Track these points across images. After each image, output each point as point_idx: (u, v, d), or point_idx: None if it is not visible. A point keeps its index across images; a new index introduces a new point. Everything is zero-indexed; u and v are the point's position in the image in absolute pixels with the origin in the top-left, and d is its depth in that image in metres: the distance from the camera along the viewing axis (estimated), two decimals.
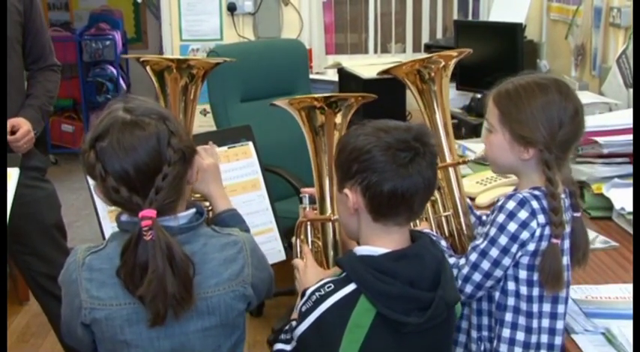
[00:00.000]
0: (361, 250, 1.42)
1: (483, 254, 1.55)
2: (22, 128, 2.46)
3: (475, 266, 1.55)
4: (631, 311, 1.66)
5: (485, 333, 1.63)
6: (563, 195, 1.57)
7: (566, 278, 1.57)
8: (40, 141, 2.62)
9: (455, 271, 1.57)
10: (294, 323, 1.46)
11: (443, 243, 1.69)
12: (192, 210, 1.48)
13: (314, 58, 4.35)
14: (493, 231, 1.54)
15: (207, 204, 1.69)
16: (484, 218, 1.82)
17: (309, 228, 1.71)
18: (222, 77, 3.26)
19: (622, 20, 2.99)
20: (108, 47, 6.19)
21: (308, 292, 1.40)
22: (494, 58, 3.55)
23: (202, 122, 4.08)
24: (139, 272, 1.36)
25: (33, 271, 2.67)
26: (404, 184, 1.36)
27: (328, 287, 1.38)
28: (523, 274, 1.55)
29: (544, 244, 1.53)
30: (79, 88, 6.28)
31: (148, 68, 1.78)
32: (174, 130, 1.41)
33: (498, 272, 1.55)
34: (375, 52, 4.64)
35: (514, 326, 1.57)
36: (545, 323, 1.58)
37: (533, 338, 1.57)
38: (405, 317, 1.35)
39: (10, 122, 2.46)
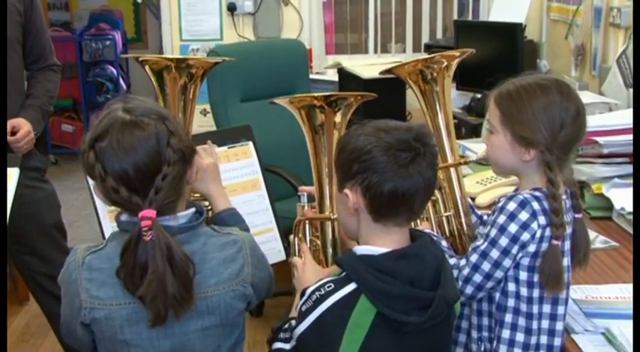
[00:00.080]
0: (361, 249, 1.42)
1: (484, 255, 1.55)
2: (22, 129, 2.46)
3: (476, 268, 1.55)
4: (631, 311, 1.66)
5: (485, 334, 1.63)
6: (564, 197, 1.57)
7: (566, 279, 1.57)
8: (40, 142, 2.62)
9: (455, 272, 1.57)
10: (293, 322, 1.46)
11: (444, 243, 1.69)
12: (192, 210, 1.48)
13: (314, 58, 4.35)
14: (494, 232, 1.54)
15: (207, 203, 1.69)
16: (485, 218, 1.82)
17: (307, 226, 1.71)
18: (222, 77, 3.26)
19: (622, 20, 2.99)
20: (108, 47, 6.19)
21: (308, 291, 1.40)
22: (494, 58, 3.55)
23: (202, 122, 4.09)
24: (138, 272, 1.36)
25: (33, 271, 2.67)
26: (404, 184, 1.36)
27: (328, 287, 1.38)
28: (523, 275, 1.55)
29: (545, 245, 1.53)
30: (79, 88, 6.28)
31: (147, 68, 1.78)
32: (173, 130, 1.41)
33: (499, 274, 1.55)
34: (375, 52, 4.64)
35: (514, 327, 1.57)
36: (545, 324, 1.58)
37: (533, 340, 1.57)
38: (406, 317, 1.35)
39: (11, 123, 2.46)
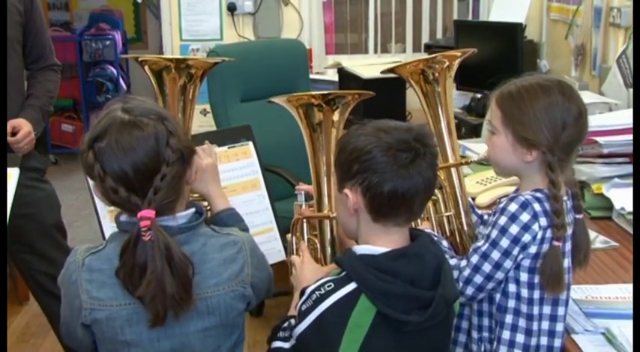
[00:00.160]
0: (361, 249, 1.42)
1: (485, 256, 1.55)
2: (22, 129, 2.46)
3: (476, 269, 1.55)
4: (631, 311, 1.66)
5: (485, 334, 1.63)
6: (565, 198, 1.57)
7: (566, 280, 1.57)
8: (40, 142, 2.62)
9: (456, 273, 1.57)
10: (292, 321, 1.46)
11: (444, 243, 1.69)
12: (192, 210, 1.48)
13: (314, 58, 4.35)
14: (495, 234, 1.54)
15: (206, 203, 1.69)
16: (485, 217, 1.82)
17: (305, 225, 1.71)
18: (222, 77, 3.26)
19: (622, 20, 2.99)
20: (108, 47, 6.20)
21: (308, 291, 1.40)
22: (494, 58, 3.55)
23: (202, 122, 4.09)
24: (137, 272, 1.36)
25: (33, 270, 2.67)
26: (404, 185, 1.36)
27: (328, 286, 1.38)
28: (524, 276, 1.55)
29: (545, 247, 1.52)
30: (79, 88, 6.29)
31: (146, 68, 1.78)
32: (172, 130, 1.41)
33: (499, 275, 1.55)
34: (375, 52, 4.64)
35: (514, 328, 1.57)
36: (545, 325, 1.57)
37: (533, 341, 1.57)
38: (406, 316, 1.35)
39: (11, 123, 2.46)
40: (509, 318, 1.57)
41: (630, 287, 1.78)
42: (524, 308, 1.56)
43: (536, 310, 1.56)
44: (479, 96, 3.60)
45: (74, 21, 6.85)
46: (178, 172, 1.41)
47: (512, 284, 1.56)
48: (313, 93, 1.67)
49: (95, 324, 1.42)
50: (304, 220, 1.70)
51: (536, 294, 1.56)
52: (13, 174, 1.99)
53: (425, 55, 4.14)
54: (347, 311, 1.36)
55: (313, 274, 1.56)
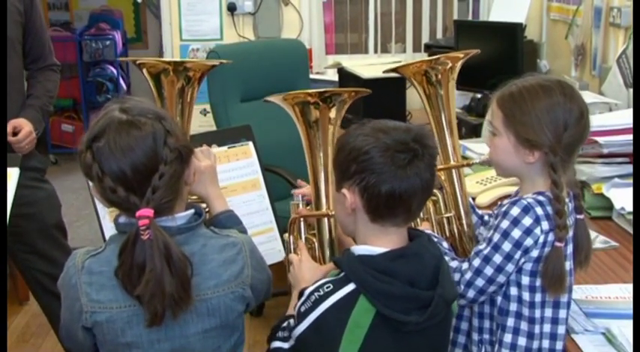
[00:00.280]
0: (359, 250, 1.42)
1: (487, 259, 1.54)
2: (24, 129, 2.47)
3: (478, 272, 1.55)
4: (631, 311, 1.66)
5: (486, 336, 1.63)
6: (567, 199, 1.56)
7: (568, 283, 1.57)
8: (40, 142, 2.62)
9: (457, 275, 1.57)
10: (291, 321, 1.45)
11: (445, 244, 1.69)
12: (191, 211, 1.48)
13: (314, 58, 4.34)
14: (497, 237, 1.54)
15: (205, 205, 1.69)
16: (486, 218, 1.82)
17: (302, 224, 1.70)
18: (222, 77, 3.26)
19: (622, 20, 2.98)
20: (108, 47, 6.19)
21: (307, 292, 1.40)
22: (494, 58, 3.54)
23: (202, 122, 4.08)
24: (136, 271, 1.36)
25: (34, 270, 2.67)
26: (402, 186, 1.36)
27: (327, 288, 1.38)
28: (526, 280, 1.55)
29: (547, 250, 1.52)
30: (79, 88, 6.28)
31: (144, 71, 1.78)
32: (170, 130, 1.41)
33: (501, 278, 1.55)
34: (375, 52, 4.63)
35: (516, 332, 1.57)
36: (547, 328, 1.57)
37: (535, 344, 1.57)
38: (405, 317, 1.35)
39: (12, 123, 2.46)
40: (510, 321, 1.57)
41: (630, 287, 1.78)
42: (525, 311, 1.56)
43: (537, 313, 1.56)
44: (479, 96, 3.60)
45: (74, 21, 6.84)
46: (177, 171, 1.41)
47: (514, 287, 1.56)
48: (309, 91, 1.67)
49: (96, 327, 1.42)
50: (301, 219, 1.70)
51: (538, 297, 1.56)
52: (13, 174, 1.99)
53: (425, 55, 4.17)
54: (346, 312, 1.36)
55: (311, 273, 1.56)
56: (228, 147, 1.98)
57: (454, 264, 1.60)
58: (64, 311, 1.47)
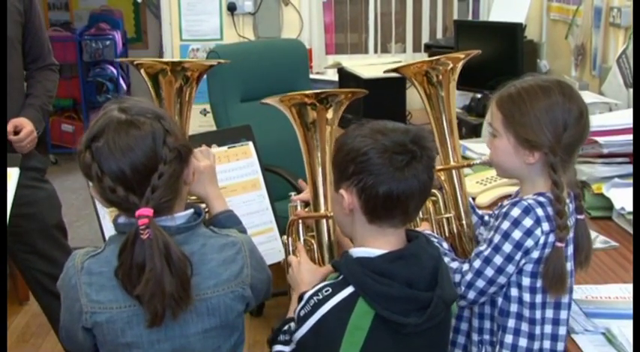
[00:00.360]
0: (357, 252, 1.42)
1: (487, 261, 1.54)
2: (25, 128, 2.47)
3: (479, 273, 1.55)
4: (631, 311, 1.66)
5: (486, 337, 1.63)
6: (567, 200, 1.56)
7: (569, 283, 1.56)
8: (40, 142, 2.62)
9: (458, 276, 1.57)
10: (292, 324, 1.45)
11: (445, 245, 1.69)
12: (190, 211, 1.48)
13: (314, 58, 4.34)
14: (497, 238, 1.53)
15: (204, 205, 1.69)
16: (486, 218, 1.82)
17: (300, 226, 1.70)
18: (222, 77, 3.26)
19: (622, 20, 2.98)
20: (108, 47, 6.19)
21: (306, 296, 1.40)
22: (494, 58, 3.54)
23: (202, 122, 4.09)
24: (136, 271, 1.36)
25: (34, 270, 2.67)
26: (399, 187, 1.36)
27: (326, 291, 1.38)
28: (526, 281, 1.55)
29: (548, 251, 1.52)
30: (79, 88, 6.28)
31: (142, 71, 1.78)
32: (169, 129, 1.41)
33: (502, 279, 1.55)
34: (375, 52, 4.63)
35: (517, 332, 1.57)
36: (548, 329, 1.57)
37: (536, 345, 1.57)
38: (404, 318, 1.35)
39: (13, 122, 2.46)
40: (511, 322, 1.57)
41: (630, 287, 1.78)
42: (526, 312, 1.56)
43: (538, 314, 1.56)
44: (479, 96, 3.60)
45: (74, 21, 6.84)
46: (176, 171, 1.41)
47: (515, 288, 1.56)
48: (306, 92, 1.67)
49: (96, 327, 1.42)
50: (299, 221, 1.70)
51: (539, 298, 1.56)
52: (13, 174, 1.99)
53: (425, 55, 4.17)
54: (345, 315, 1.36)
55: (310, 274, 1.56)
56: (228, 147, 1.98)
57: (454, 264, 1.60)
58: (63, 312, 1.47)
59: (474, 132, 3.42)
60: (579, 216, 1.60)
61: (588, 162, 2.34)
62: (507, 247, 1.52)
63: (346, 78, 3.88)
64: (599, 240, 2.08)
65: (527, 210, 1.51)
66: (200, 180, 1.62)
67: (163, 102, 1.77)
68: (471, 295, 1.56)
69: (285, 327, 1.49)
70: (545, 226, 1.51)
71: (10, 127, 2.44)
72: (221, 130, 2.93)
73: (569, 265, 1.58)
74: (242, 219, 1.70)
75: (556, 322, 1.57)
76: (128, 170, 1.36)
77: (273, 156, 2.64)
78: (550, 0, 4.02)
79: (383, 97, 3.52)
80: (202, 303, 1.44)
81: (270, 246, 1.91)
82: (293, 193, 1.76)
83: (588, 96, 2.83)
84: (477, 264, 1.56)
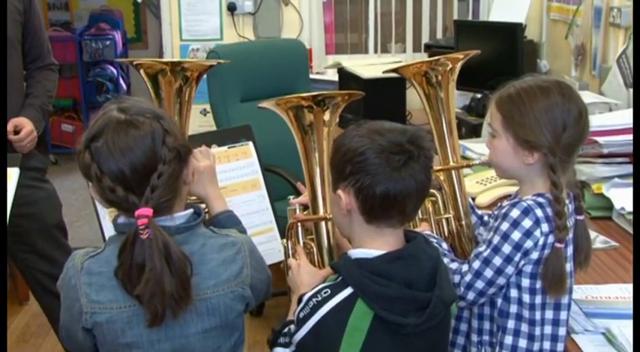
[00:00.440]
0: (356, 253, 1.42)
1: (486, 262, 1.54)
2: (25, 128, 2.47)
3: (478, 274, 1.55)
4: (631, 311, 1.66)
5: (486, 338, 1.63)
6: (567, 200, 1.56)
7: (568, 284, 1.56)
8: (40, 142, 2.62)
9: (457, 277, 1.57)
10: (292, 327, 1.45)
11: (444, 245, 1.69)
12: (190, 211, 1.48)
13: (314, 58, 4.34)
14: (497, 239, 1.53)
15: (204, 206, 1.69)
16: (486, 218, 1.82)
17: (299, 229, 1.70)
18: (222, 77, 3.26)
19: (622, 20, 2.98)
20: (108, 47, 6.19)
21: (305, 298, 1.40)
22: (494, 58, 3.54)
23: (202, 122, 4.08)
24: (136, 271, 1.36)
25: (35, 270, 2.67)
26: (396, 187, 1.36)
27: (325, 293, 1.38)
28: (526, 282, 1.55)
29: (547, 252, 1.52)
30: (79, 88, 6.29)
31: (141, 71, 1.78)
32: (168, 129, 1.41)
33: (501, 280, 1.55)
34: (375, 52, 4.63)
35: (516, 333, 1.57)
36: (548, 330, 1.57)
37: (536, 346, 1.57)
38: (403, 319, 1.35)
39: (13, 122, 2.46)
40: (511, 323, 1.57)
41: (630, 287, 1.78)
42: (526, 313, 1.56)
43: (538, 315, 1.56)
44: (479, 96, 3.60)
45: (74, 21, 6.84)
46: (175, 171, 1.41)
47: (514, 289, 1.56)
48: (303, 95, 1.66)
49: (96, 327, 1.42)
50: (299, 224, 1.70)
51: (538, 299, 1.56)
52: (13, 174, 1.99)
53: (425, 55, 4.17)
54: (344, 316, 1.36)
55: (310, 277, 1.56)
56: (228, 147, 1.98)
57: (454, 265, 1.60)
58: (63, 312, 1.47)
59: (473, 132, 3.42)
60: (579, 217, 1.60)
61: (588, 162, 2.34)
62: (507, 248, 1.52)
63: (346, 78, 3.88)
64: (599, 240, 2.08)
65: (526, 211, 1.51)
66: (200, 180, 1.62)
67: (163, 102, 1.77)
68: (470, 296, 1.56)
69: (285, 330, 1.49)
70: (545, 227, 1.51)
71: (10, 127, 2.44)
72: (221, 130, 2.92)
73: (569, 266, 1.58)
74: (242, 219, 1.70)
75: (556, 323, 1.57)
76: (127, 170, 1.36)
77: (273, 156, 2.64)
78: (550, 0, 4.02)
79: (383, 97, 3.52)
80: (202, 303, 1.44)
81: (270, 246, 1.91)
82: (292, 197, 1.76)
83: (588, 96, 2.83)
84: (476, 264, 1.55)
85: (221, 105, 3.30)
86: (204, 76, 1.87)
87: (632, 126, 2.29)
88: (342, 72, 3.98)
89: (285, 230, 1.73)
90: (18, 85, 2.59)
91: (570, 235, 1.57)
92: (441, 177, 1.79)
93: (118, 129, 1.37)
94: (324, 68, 4.40)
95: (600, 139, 2.29)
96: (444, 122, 1.79)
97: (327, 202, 1.64)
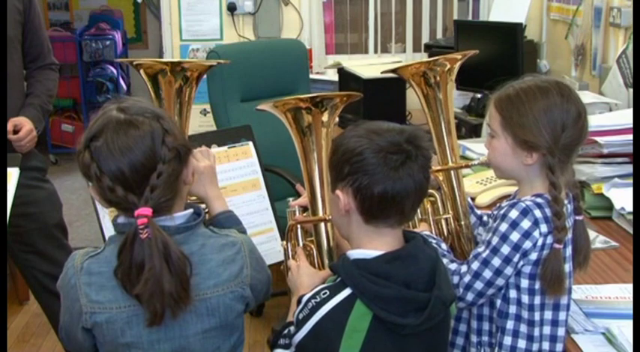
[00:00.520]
0: (355, 254, 1.41)
1: (485, 263, 1.54)
2: (24, 127, 2.47)
3: (477, 275, 1.55)
4: (631, 311, 1.66)
5: (485, 338, 1.63)
6: (565, 201, 1.56)
7: (567, 285, 1.56)
8: (40, 141, 2.62)
9: (456, 278, 1.57)
10: (292, 328, 1.45)
11: (443, 246, 1.69)
12: (190, 211, 1.48)
13: (314, 57, 4.34)
14: (495, 240, 1.53)
15: (204, 206, 1.69)
16: (485, 218, 1.82)
17: (299, 231, 1.70)
18: (222, 77, 3.26)
19: (622, 20, 2.98)
20: (108, 47, 6.19)
21: (304, 299, 1.40)
22: (494, 58, 3.55)
23: (202, 122, 4.08)
24: (135, 271, 1.36)
25: (35, 269, 2.67)
26: (395, 187, 1.36)
27: (324, 294, 1.38)
28: (525, 283, 1.55)
29: (546, 253, 1.52)
30: (79, 87, 6.29)
31: (141, 71, 1.78)
32: (168, 128, 1.41)
33: (500, 281, 1.55)
34: (375, 52, 4.63)
35: (515, 334, 1.57)
36: (547, 330, 1.57)
37: (535, 346, 1.57)
38: (402, 319, 1.35)
39: (12, 121, 2.46)
40: (510, 324, 1.57)
41: (630, 287, 1.78)
42: (525, 314, 1.56)
43: (537, 316, 1.56)
44: (479, 96, 3.60)
45: (74, 21, 6.85)
46: (175, 170, 1.41)
47: (513, 290, 1.56)
48: (300, 96, 1.66)
49: (96, 327, 1.42)
50: (298, 226, 1.70)
51: (537, 300, 1.56)
52: (13, 174, 1.99)
53: (425, 55, 4.17)
54: (343, 317, 1.35)
55: (309, 278, 1.56)
56: (228, 147, 1.98)
57: (453, 266, 1.60)
58: (63, 312, 1.47)
59: (473, 132, 3.43)
60: (578, 217, 1.60)
61: (588, 162, 2.34)
62: (505, 249, 1.52)
63: (346, 78, 3.88)
64: (599, 240, 2.09)
65: (525, 212, 1.51)
66: (200, 180, 1.62)
67: (163, 102, 1.77)
68: (469, 297, 1.56)
69: (285, 331, 1.49)
70: (544, 228, 1.51)
71: (9, 126, 2.44)
72: (221, 130, 2.92)
73: (568, 266, 1.58)
74: (242, 219, 1.70)
75: (555, 323, 1.57)
76: (127, 170, 1.36)
77: (273, 156, 2.64)
78: (550, 0, 4.02)
79: (383, 97, 3.52)
80: (202, 303, 1.44)
81: (270, 246, 1.91)
82: (291, 199, 1.75)
83: (588, 97, 2.83)
84: (475, 265, 1.55)
85: (221, 106, 3.30)
86: (204, 76, 1.87)
87: (632, 126, 2.29)
88: (342, 72, 3.98)
89: (285, 231, 1.73)
90: (18, 84, 2.59)
91: (569, 236, 1.57)
92: (440, 177, 1.79)
93: (117, 129, 1.37)
94: (324, 68, 4.40)
95: (600, 139, 2.29)
96: (442, 122, 1.79)
97: (327, 204, 1.64)
